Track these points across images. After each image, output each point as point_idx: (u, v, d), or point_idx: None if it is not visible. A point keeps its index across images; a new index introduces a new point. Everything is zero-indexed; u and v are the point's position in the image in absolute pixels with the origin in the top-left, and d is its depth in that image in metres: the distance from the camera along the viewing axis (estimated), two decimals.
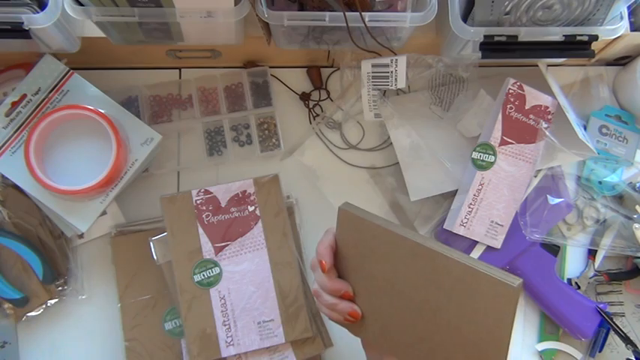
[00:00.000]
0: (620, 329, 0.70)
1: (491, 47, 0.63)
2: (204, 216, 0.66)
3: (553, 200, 0.71)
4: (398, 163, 0.72)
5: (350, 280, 0.54)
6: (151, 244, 0.67)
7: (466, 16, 0.63)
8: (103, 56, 0.72)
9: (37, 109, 0.67)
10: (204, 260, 0.65)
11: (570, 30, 0.62)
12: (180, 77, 0.77)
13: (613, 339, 0.72)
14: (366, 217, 0.51)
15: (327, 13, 0.58)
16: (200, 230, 0.66)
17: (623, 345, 0.70)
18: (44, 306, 0.69)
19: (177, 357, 0.67)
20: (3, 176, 0.67)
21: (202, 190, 0.66)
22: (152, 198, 0.73)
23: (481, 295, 0.46)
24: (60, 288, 0.69)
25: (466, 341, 0.48)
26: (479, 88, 0.72)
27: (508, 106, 0.69)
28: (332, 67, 0.78)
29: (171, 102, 0.75)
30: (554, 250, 0.72)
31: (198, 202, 0.66)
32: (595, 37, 0.62)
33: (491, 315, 0.46)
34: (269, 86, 0.76)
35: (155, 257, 0.66)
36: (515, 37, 0.62)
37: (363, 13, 0.58)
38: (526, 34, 0.62)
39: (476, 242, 0.69)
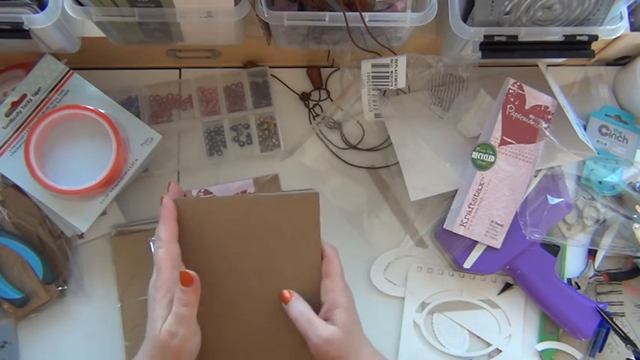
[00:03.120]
0: (620, 329, 0.70)
1: (491, 47, 0.63)
2: None
3: (553, 200, 0.71)
4: (398, 163, 0.72)
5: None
6: (151, 243, 0.67)
7: (466, 16, 0.63)
8: (103, 56, 0.72)
9: (37, 109, 0.67)
10: None
11: (570, 30, 0.62)
12: (180, 77, 0.77)
13: (613, 339, 0.72)
14: (200, 198, 0.56)
15: (327, 13, 0.58)
16: None
17: (623, 345, 0.70)
18: (44, 306, 0.68)
19: None
20: (3, 176, 0.67)
21: (202, 190, 0.66)
22: (152, 198, 0.73)
23: (289, 217, 0.55)
24: (60, 288, 0.68)
25: (293, 271, 0.56)
26: (479, 88, 0.72)
27: (508, 106, 0.69)
28: (332, 67, 0.78)
29: (171, 102, 0.75)
30: (554, 250, 0.72)
31: None
32: (595, 37, 0.62)
33: (300, 230, 0.56)
34: (269, 86, 0.76)
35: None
36: (515, 37, 0.62)
37: (363, 13, 0.58)
38: (526, 34, 0.62)
39: (476, 242, 0.69)
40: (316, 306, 0.55)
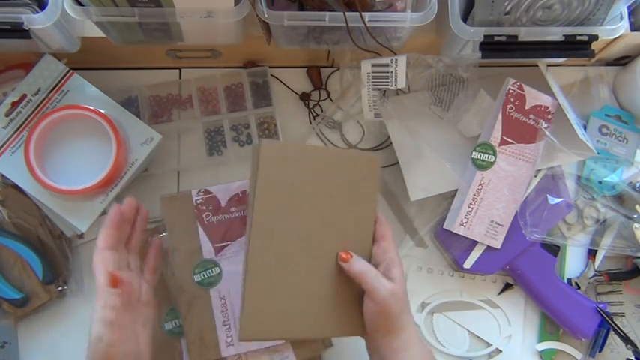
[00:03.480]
0: (620, 329, 0.70)
1: (491, 47, 0.63)
2: (204, 216, 0.66)
3: (553, 200, 0.71)
4: (398, 163, 0.72)
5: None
6: None
7: (466, 16, 0.63)
8: (103, 56, 0.72)
9: (37, 109, 0.67)
10: (204, 260, 0.65)
11: (570, 30, 0.62)
12: (180, 77, 0.77)
13: (613, 339, 0.72)
14: (282, 143, 0.61)
15: (327, 13, 0.58)
16: (200, 230, 0.66)
17: (623, 345, 0.70)
18: (44, 306, 0.68)
19: (178, 357, 0.67)
20: (3, 176, 0.67)
21: (202, 190, 0.66)
22: (152, 198, 0.73)
23: (355, 173, 0.59)
24: (60, 288, 0.68)
25: (352, 230, 0.58)
26: (479, 88, 0.72)
27: (508, 106, 0.69)
28: (332, 67, 0.78)
29: (172, 102, 0.75)
30: (554, 250, 0.72)
31: (198, 202, 0.66)
32: (595, 37, 0.63)
33: (362, 188, 0.59)
34: (269, 86, 0.76)
35: None
36: (515, 37, 0.62)
37: (363, 13, 0.58)
38: (526, 34, 0.62)
39: (476, 242, 0.69)
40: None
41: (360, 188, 0.59)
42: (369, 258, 0.59)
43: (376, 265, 0.58)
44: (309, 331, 0.57)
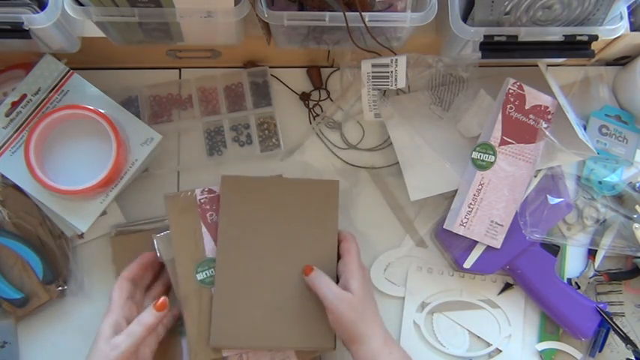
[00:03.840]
0: (620, 329, 0.70)
1: (491, 47, 0.63)
2: (207, 215, 0.66)
3: (553, 200, 0.71)
4: (398, 163, 0.72)
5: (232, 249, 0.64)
6: (155, 240, 0.66)
7: (466, 16, 0.63)
8: (103, 56, 0.72)
9: (37, 109, 0.67)
10: (207, 259, 0.65)
11: (570, 30, 0.62)
12: (180, 77, 0.77)
13: (613, 339, 0.72)
14: (242, 176, 0.66)
15: (327, 13, 0.58)
16: (204, 229, 0.66)
17: (623, 345, 0.70)
18: (44, 306, 0.68)
19: (179, 356, 0.67)
20: (3, 176, 0.67)
21: (206, 190, 0.67)
22: (152, 198, 0.73)
23: (313, 199, 0.65)
24: (60, 288, 0.68)
25: (313, 250, 0.64)
26: (479, 88, 0.72)
27: (508, 106, 0.69)
28: (332, 67, 0.78)
29: (172, 102, 0.75)
30: (554, 250, 0.72)
31: (201, 201, 0.66)
32: (595, 37, 0.62)
33: (321, 212, 0.65)
34: (269, 86, 0.76)
35: (159, 254, 0.66)
36: (515, 37, 0.62)
37: (363, 13, 0.58)
38: (526, 34, 0.62)
39: (476, 242, 0.69)
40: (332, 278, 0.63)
41: (321, 211, 0.65)
42: (335, 274, 0.64)
43: (339, 279, 0.62)
44: (275, 341, 0.63)
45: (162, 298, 0.59)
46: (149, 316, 0.58)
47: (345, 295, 0.59)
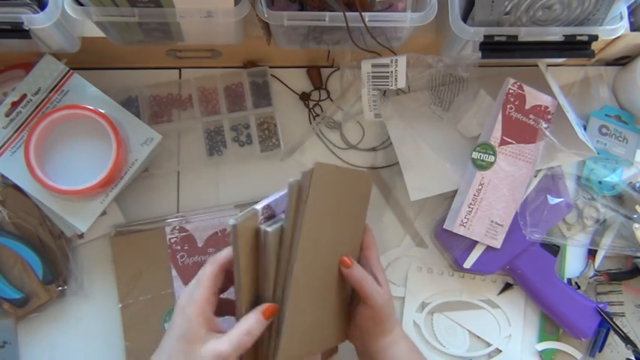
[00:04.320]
0: (620, 329, 0.70)
1: (491, 47, 0.63)
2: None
3: (553, 200, 0.71)
4: (398, 163, 0.72)
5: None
6: (229, 221, 0.50)
7: (466, 16, 0.63)
8: (103, 56, 0.72)
9: (37, 109, 0.67)
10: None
11: (570, 30, 0.62)
12: (180, 77, 0.77)
13: (613, 339, 0.72)
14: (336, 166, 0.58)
15: (327, 13, 0.58)
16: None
17: (623, 345, 0.70)
18: (44, 306, 0.68)
19: None
20: (3, 176, 0.67)
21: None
22: (152, 198, 0.73)
23: (358, 189, 0.60)
24: (60, 288, 0.68)
25: (349, 240, 0.60)
26: (479, 88, 0.72)
27: (508, 106, 0.69)
28: (332, 67, 0.78)
29: (172, 102, 0.75)
30: (554, 250, 0.72)
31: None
32: (595, 37, 0.62)
33: (360, 202, 0.61)
34: (269, 86, 0.76)
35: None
36: (515, 37, 0.62)
37: (363, 13, 0.58)
38: (526, 34, 0.62)
39: (476, 242, 0.69)
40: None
41: (357, 203, 0.61)
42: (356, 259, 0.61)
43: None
44: (331, 340, 0.60)
45: (270, 305, 0.50)
46: (256, 323, 0.49)
47: (382, 291, 0.58)
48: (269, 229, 0.50)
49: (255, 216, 0.51)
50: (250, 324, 0.49)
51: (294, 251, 0.51)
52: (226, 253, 0.52)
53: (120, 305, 0.69)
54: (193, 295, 0.50)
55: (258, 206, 0.52)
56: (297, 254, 0.51)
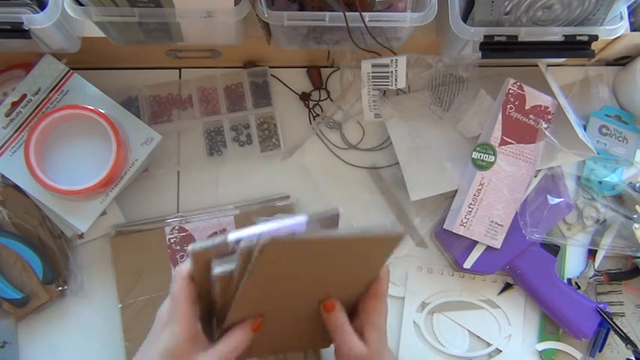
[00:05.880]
0: (620, 329, 0.70)
1: (491, 47, 0.63)
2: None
3: (553, 200, 0.71)
4: (398, 163, 0.72)
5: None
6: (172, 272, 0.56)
7: (466, 16, 0.63)
8: (103, 56, 0.72)
9: (37, 109, 0.67)
10: None
11: (570, 30, 0.62)
12: (180, 77, 0.77)
13: (613, 339, 0.72)
14: (293, 239, 0.44)
15: (327, 13, 0.58)
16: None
17: (623, 345, 0.71)
18: (44, 306, 0.68)
19: None
20: (3, 176, 0.67)
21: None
22: (152, 198, 0.73)
23: (367, 253, 0.49)
24: (60, 288, 0.68)
25: (344, 283, 0.52)
26: (479, 88, 0.72)
27: (508, 106, 0.69)
28: (332, 67, 0.78)
29: (171, 102, 0.75)
30: (554, 250, 0.72)
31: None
32: (595, 37, 0.63)
33: (370, 262, 0.51)
34: (269, 86, 0.76)
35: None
36: (515, 37, 0.62)
37: (363, 13, 0.58)
38: (526, 34, 0.62)
39: (476, 242, 0.69)
40: (352, 310, 0.54)
41: (371, 260, 0.51)
42: (355, 302, 0.54)
43: (356, 315, 0.54)
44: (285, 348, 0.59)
45: (260, 320, 0.50)
46: (242, 335, 0.48)
47: (358, 345, 0.51)
48: (218, 269, 0.47)
49: (213, 249, 0.48)
50: (237, 336, 0.48)
51: (232, 301, 0.48)
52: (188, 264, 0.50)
53: (120, 305, 0.69)
54: (176, 310, 0.48)
55: (231, 237, 0.48)
56: (232, 304, 0.48)
